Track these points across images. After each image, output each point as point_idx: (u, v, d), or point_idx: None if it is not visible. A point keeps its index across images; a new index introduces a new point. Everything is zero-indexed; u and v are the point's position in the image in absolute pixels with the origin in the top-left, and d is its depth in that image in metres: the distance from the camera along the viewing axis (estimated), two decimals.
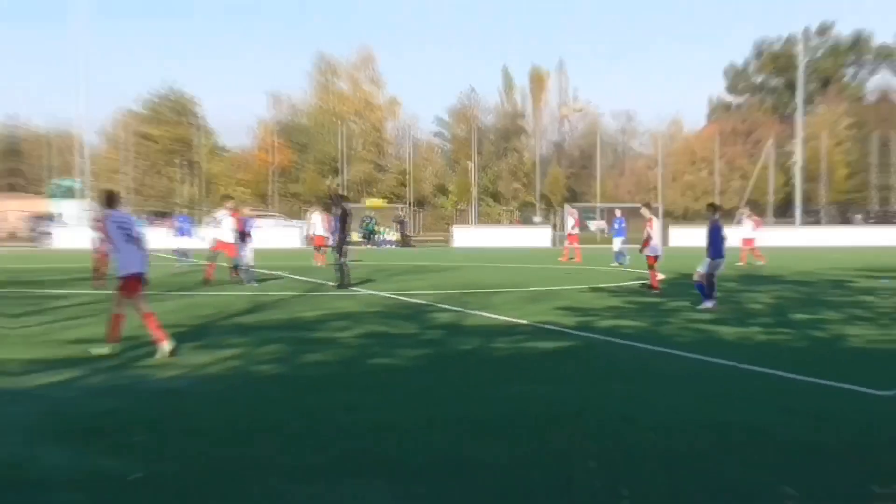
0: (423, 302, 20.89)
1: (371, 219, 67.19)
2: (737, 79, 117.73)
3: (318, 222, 40.27)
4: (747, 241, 39.64)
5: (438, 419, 9.49)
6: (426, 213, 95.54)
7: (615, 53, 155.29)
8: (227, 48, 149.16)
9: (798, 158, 79.38)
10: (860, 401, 10.33)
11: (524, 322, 16.88)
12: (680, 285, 26.94)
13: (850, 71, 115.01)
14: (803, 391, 10.91)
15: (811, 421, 9.41)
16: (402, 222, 69.40)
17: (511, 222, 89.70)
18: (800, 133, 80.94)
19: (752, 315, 18.46)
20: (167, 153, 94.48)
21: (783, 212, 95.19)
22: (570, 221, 44.42)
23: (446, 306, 19.74)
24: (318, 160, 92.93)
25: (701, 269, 19.80)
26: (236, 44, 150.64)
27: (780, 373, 11.82)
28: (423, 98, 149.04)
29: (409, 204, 77.07)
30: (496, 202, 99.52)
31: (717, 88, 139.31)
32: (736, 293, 23.73)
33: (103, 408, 10.09)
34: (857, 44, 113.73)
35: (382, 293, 23.48)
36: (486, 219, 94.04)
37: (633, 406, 10.05)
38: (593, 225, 54.87)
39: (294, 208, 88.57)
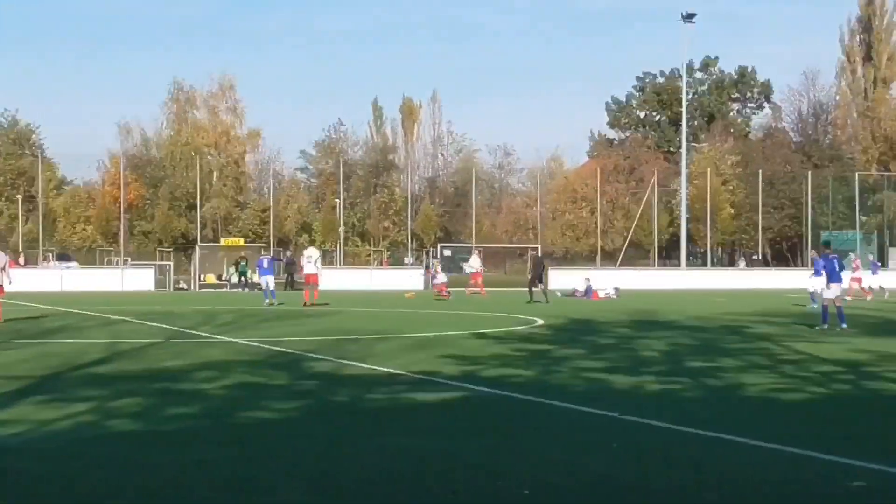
0: (298, 351, 20.63)
1: (245, 260, 66.04)
2: (619, 113, 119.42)
3: None
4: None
5: (295, 475, 9.30)
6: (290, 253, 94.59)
7: (491, 85, 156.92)
8: (72, 75, 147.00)
9: (683, 197, 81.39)
10: (748, 454, 10.29)
11: (404, 373, 16.78)
12: (570, 330, 27.10)
13: (735, 106, 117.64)
14: (690, 443, 10.92)
15: (692, 475, 9.35)
16: (290, 262, 67.43)
17: (380, 263, 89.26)
18: (684, 171, 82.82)
19: (646, 363, 18.56)
20: (6, 187, 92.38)
21: (668, 253, 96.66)
22: (476, 261, 47.58)
23: (321, 356, 19.50)
24: (172, 195, 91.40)
25: (828, 294, 25.45)
26: (83, 70, 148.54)
27: (666, 424, 11.81)
28: (287, 131, 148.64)
29: (271, 244, 76.13)
30: (364, 242, 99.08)
31: (599, 123, 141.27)
32: (630, 339, 23.99)
33: None
34: (742, 79, 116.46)
35: (252, 341, 23.08)
36: (353, 259, 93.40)
37: (506, 460, 9.99)
38: (467, 267, 55.86)
39: (145, 248, 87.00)
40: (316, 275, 42.61)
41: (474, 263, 54.58)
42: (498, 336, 25.06)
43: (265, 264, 44.95)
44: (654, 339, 23.90)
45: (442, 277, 51.22)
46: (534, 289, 45.85)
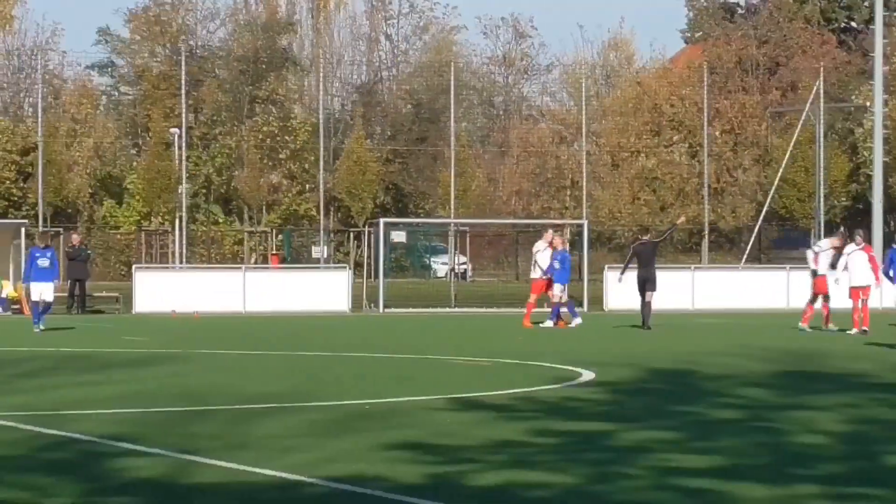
0: (97, 437, 13.74)
1: None
2: None
3: None
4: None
5: None
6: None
7: None
8: None
9: (878, 123, 59.82)
10: None
11: (312, 479, 11.16)
12: (646, 392, 20.03)
13: None
14: None
15: None
16: (77, 256, 45.90)
17: (263, 258, 66.51)
18: (879, 68, 59.82)
19: (804, 458, 12.95)
20: None
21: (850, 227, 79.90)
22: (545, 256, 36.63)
23: (145, 446, 13.04)
24: None
25: None
26: None
27: None
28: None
29: (41, 219, 54.27)
30: (230, 215, 71.56)
31: None
32: (769, 409, 16.89)
33: None
34: None
35: (6, 417, 15.18)
36: (209, 252, 67.73)
37: None
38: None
39: None
40: None
41: (543, 260, 37.02)
42: (504, 404, 17.81)
43: (39, 261, 32.82)
44: (815, 410, 17.02)
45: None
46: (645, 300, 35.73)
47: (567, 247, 39.39)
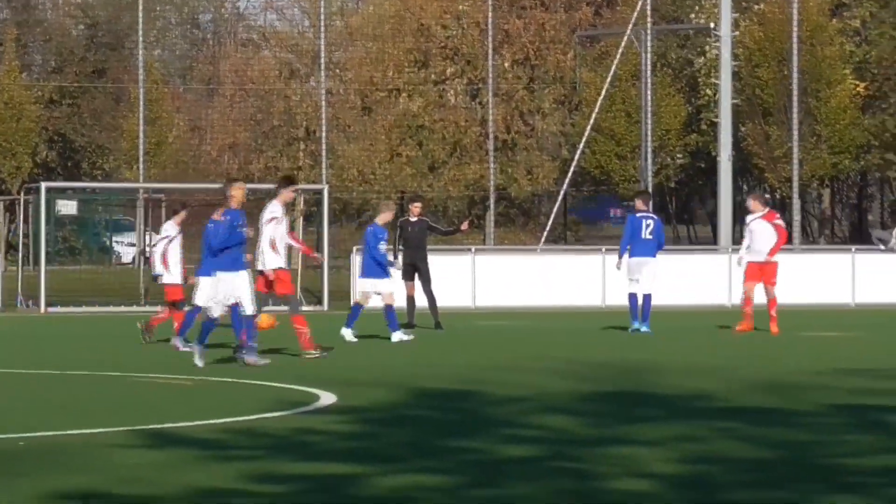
0: None
1: None
2: None
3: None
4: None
5: None
6: None
7: None
8: None
9: (726, 42, 62.55)
10: None
11: None
12: (405, 422, 22.55)
13: None
14: None
15: None
16: None
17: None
18: None
19: None
20: None
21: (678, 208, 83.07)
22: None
23: None
24: None
25: None
26: None
27: None
28: None
29: None
30: None
31: None
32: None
33: None
34: None
35: None
36: None
37: None
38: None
39: None
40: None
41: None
42: (212, 439, 18.08)
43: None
44: (639, 445, 17.39)
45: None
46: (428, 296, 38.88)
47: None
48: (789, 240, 47.52)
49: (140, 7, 64.19)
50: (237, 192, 28.29)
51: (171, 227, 35.40)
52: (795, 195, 65.81)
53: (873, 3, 77.51)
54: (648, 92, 65.54)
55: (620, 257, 37.54)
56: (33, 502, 12.96)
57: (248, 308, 27.99)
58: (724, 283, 51.64)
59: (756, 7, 74.30)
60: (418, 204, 40.28)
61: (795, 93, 65.52)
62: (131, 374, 26.69)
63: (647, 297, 36.75)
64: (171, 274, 34.83)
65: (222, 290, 28.44)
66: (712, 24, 67.94)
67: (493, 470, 15.38)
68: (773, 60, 70.82)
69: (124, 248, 70.27)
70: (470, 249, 55.88)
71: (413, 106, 73.03)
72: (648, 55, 65.88)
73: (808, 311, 48.59)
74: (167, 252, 34.86)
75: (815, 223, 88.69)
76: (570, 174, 65.75)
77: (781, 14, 69.93)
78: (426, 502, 13.38)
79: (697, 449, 17.12)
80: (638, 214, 37.62)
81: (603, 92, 65.17)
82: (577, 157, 65.67)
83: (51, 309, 48.08)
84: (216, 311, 28.68)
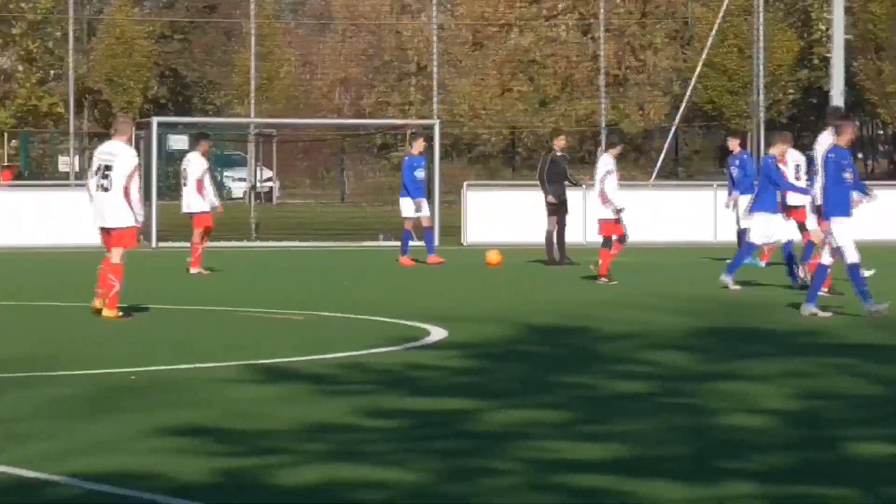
0: None
1: None
2: None
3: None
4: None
5: None
6: None
7: None
8: None
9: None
10: None
11: (55, 477, 11.49)
12: (516, 356, 21.07)
13: None
14: None
15: None
16: None
17: None
18: None
19: (733, 447, 13.11)
20: None
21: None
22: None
23: None
24: None
25: None
26: None
27: None
28: None
29: None
30: None
31: None
32: (687, 380, 17.66)
33: None
34: None
35: None
36: None
37: None
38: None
39: None
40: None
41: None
42: (322, 374, 18.26)
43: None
44: (750, 381, 17.53)
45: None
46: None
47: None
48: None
49: None
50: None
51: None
52: None
53: None
54: (761, 27, 64.74)
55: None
56: (145, 437, 13.04)
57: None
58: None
59: None
60: (563, 137, 40.43)
61: None
62: (241, 309, 26.73)
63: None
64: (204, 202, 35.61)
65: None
66: None
67: (605, 406, 15.39)
68: None
69: (235, 184, 70.53)
70: (582, 186, 55.22)
71: (524, 41, 73.12)
72: None
73: None
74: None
75: None
76: (681, 110, 65.43)
77: None
78: (540, 438, 13.33)
79: (809, 385, 17.12)
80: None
81: (715, 27, 64.81)
82: (688, 92, 65.49)
83: (162, 243, 48.17)
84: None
